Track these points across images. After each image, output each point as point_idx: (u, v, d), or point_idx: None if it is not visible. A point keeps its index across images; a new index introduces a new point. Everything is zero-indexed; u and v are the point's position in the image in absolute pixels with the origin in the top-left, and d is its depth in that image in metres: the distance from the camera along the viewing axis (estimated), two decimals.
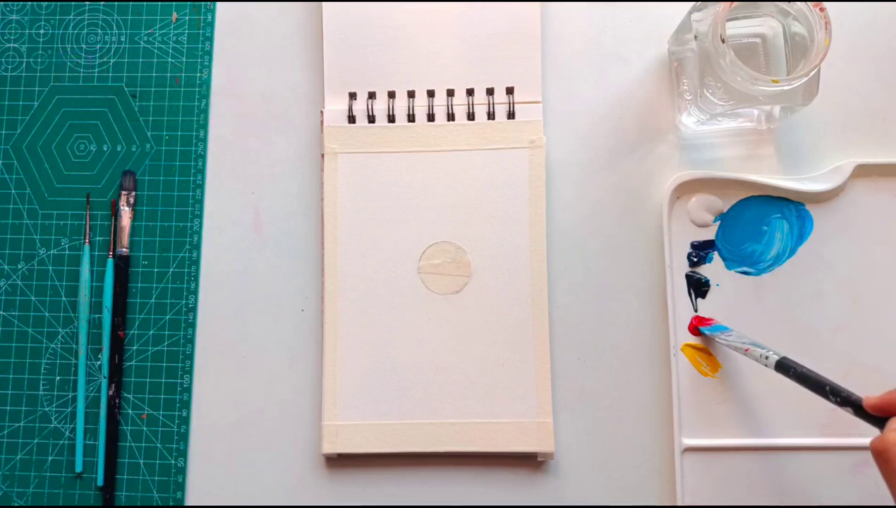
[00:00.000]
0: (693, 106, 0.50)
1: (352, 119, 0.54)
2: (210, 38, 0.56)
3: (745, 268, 0.52)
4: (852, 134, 0.53)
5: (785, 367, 0.44)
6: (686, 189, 0.53)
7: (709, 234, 0.53)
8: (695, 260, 0.52)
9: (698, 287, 0.52)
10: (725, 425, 0.51)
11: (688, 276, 0.52)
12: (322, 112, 0.54)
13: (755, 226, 0.52)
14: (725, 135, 0.53)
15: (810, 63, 0.45)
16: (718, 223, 0.53)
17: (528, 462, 0.51)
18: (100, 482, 0.52)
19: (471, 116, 0.54)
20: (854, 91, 0.54)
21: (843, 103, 0.54)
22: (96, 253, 0.54)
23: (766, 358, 0.45)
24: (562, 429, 0.51)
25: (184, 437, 0.52)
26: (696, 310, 0.52)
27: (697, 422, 0.51)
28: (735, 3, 0.45)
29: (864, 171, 0.52)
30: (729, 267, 0.52)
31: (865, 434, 0.50)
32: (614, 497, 0.51)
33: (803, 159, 0.53)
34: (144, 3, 0.57)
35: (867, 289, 0.52)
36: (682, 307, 0.52)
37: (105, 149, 0.56)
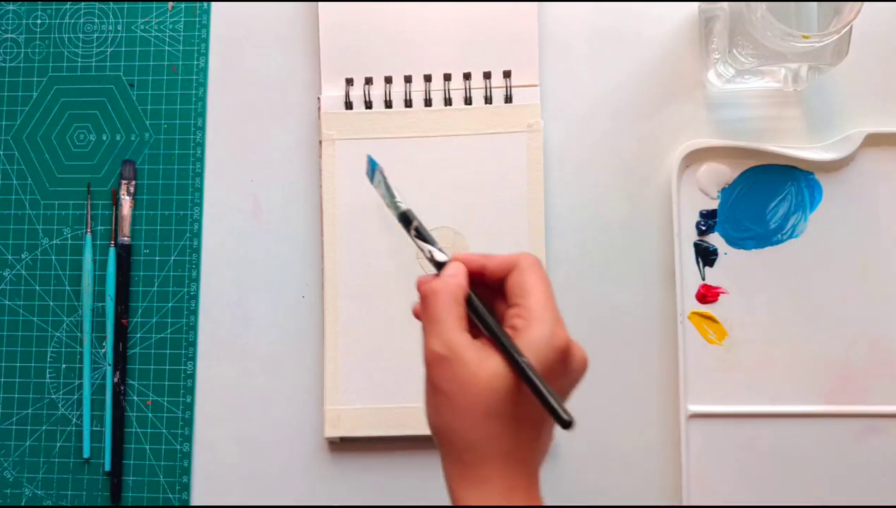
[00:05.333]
0: (720, 63, 0.50)
1: (349, 105, 0.54)
2: (206, 26, 0.56)
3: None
4: (878, 100, 0.53)
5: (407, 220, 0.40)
6: (696, 158, 0.52)
7: (718, 203, 0.53)
8: (703, 228, 0.52)
9: (706, 255, 0.52)
10: (731, 392, 0.51)
11: (696, 245, 0.53)
12: (319, 98, 0.54)
13: (764, 194, 0.52)
14: (750, 96, 0.53)
15: (843, 20, 0.44)
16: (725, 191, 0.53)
17: None
18: (107, 467, 0.53)
19: (468, 101, 0.53)
20: (884, 57, 0.53)
21: (872, 68, 0.53)
22: (98, 242, 0.55)
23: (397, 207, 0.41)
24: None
25: (188, 423, 0.53)
26: (703, 279, 0.52)
27: (703, 390, 0.51)
28: None
29: (874, 140, 0.52)
30: None
31: (872, 401, 0.51)
32: (615, 475, 0.51)
33: (832, 123, 0.53)
34: None
35: (875, 259, 0.52)
36: (689, 275, 0.52)
37: (104, 138, 0.56)
